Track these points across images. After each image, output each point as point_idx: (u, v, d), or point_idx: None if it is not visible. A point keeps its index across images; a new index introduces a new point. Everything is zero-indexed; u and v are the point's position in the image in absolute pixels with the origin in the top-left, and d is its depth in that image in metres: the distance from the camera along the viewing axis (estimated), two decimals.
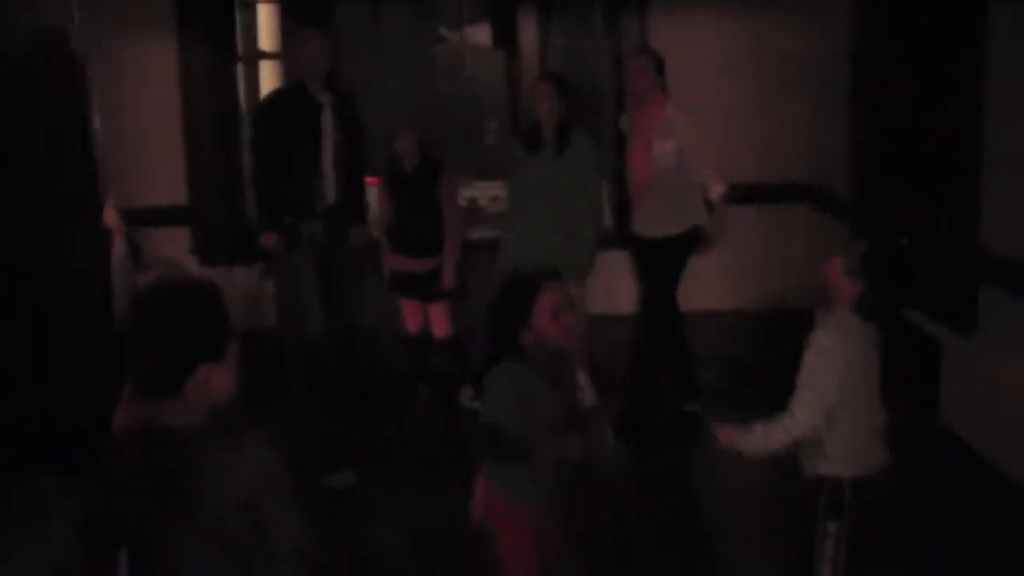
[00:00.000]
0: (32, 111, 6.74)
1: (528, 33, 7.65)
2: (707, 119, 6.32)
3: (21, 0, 6.90)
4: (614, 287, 7.06)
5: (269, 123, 6.36)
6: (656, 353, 6.25)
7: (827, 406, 3.47)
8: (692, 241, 6.09)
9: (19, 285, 6.42)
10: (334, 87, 6.34)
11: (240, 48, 8.16)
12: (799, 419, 3.48)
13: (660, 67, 6.12)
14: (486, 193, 8.44)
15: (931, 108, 5.69)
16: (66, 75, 7.14)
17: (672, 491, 5.64)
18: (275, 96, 6.64)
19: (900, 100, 6.10)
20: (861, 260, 3.49)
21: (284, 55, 7.98)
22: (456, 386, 6.71)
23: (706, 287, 7.12)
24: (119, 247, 4.10)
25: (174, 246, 7.25)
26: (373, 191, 6.71)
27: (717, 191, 5.96)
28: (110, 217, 4.19)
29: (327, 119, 6.21)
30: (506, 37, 7.87)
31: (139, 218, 7.18)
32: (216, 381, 2.46)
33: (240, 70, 8.15)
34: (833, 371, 3.45)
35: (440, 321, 6.64)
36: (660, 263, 6.13)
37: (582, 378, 6.51)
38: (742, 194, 6.71)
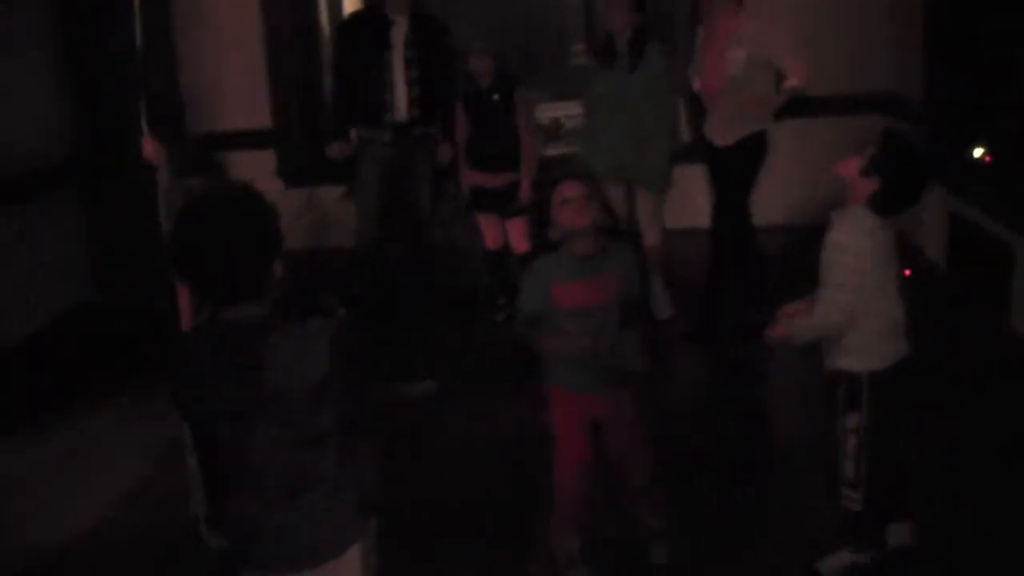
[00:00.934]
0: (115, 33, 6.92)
1: None
2: (779, 27, 6.32)
3: None
4: (692, 201, 7.13)
5: (344, 40, 6.68)
6: (727, 259, 6.29)
7: (851, 298, 3.52)
8: (761, 147, 6.10)
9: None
10: (416, 7, 6.52)
11: None
12: (828, 313, 3.55)
13: None
14: (569, 112, 8.50)
15: (1001, 14, 5.64)
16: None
17: (737, 394, 5.72)
18: (353, 15, 6.91)
19: (971, 8, 6.05)
20: (874, 158, 3.52)
21: None
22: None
23: (781, 200, 7.17)
24: (163, 179, 4.15)
25: (259, 169, 7.44)
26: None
27: (795, 82, 5.92)
28: (149, 149, 4.21)
29: (399, 35, 6.41)
30: None
31: (224, 142, 7.45)
32: (277, 273, 2.61)
33: None
34: (851, 265, 3.51)
35: (518, 236, 6.75)
36: (731, 169, 6.15)
37: (657, 287, 6.65)
38: (819, 105, 6.72)
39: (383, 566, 2.91)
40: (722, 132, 6.12)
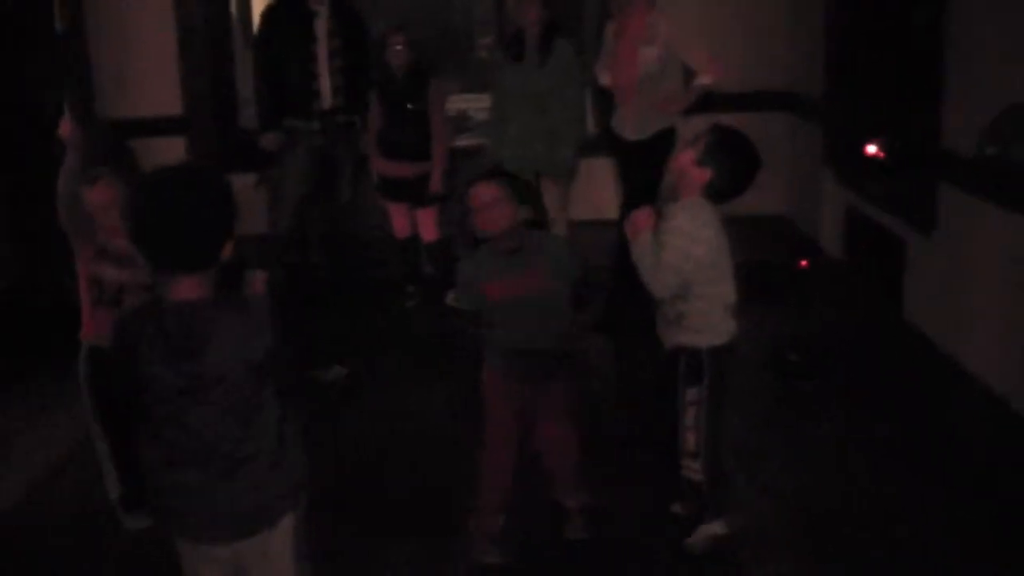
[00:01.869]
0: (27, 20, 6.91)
1: None
2: (689, 26, 6.48)
3: None
4: (598, 193, 7.27)
5: (267, 31, 6.73)
6: None
7: (676, 280, 3.70)
8: (671, 142, 6.25)
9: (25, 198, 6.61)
10: None
11: None
12: (652, 281, 3.72)
13: None
14: (476, 105, 8.62)
15: (899, 19, 5.86)
16: None
17: (644, 382, 5.85)
18: (274, 5, 6.95)
19: (872, 12, 6.26)
20: (707, 148, 3.73)
21: None
22: (443, 288, 6.80)
23: None
24: (71, 160, 4.16)
25: (170, 156, 7.44)
26: None
27: (706, 80, 6.08)
28: (65, 129, 4.23)
29: (322, 26, 6.52)
30: None
31: (136, 129, 7.44)
32: (228, 253, 2.70)
33: None
34: (687, 251, 3.67)
35: (427, 225, 6.85)
36: (640, 164, 6.28)
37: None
38: (724, 102, 6.90)
39: (312, 535, 2.98)
40: (633, 127, 6.26)
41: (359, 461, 4.95)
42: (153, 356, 2.62)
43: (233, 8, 8.48)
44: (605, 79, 6.44)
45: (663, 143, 6.20)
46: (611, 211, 6.52)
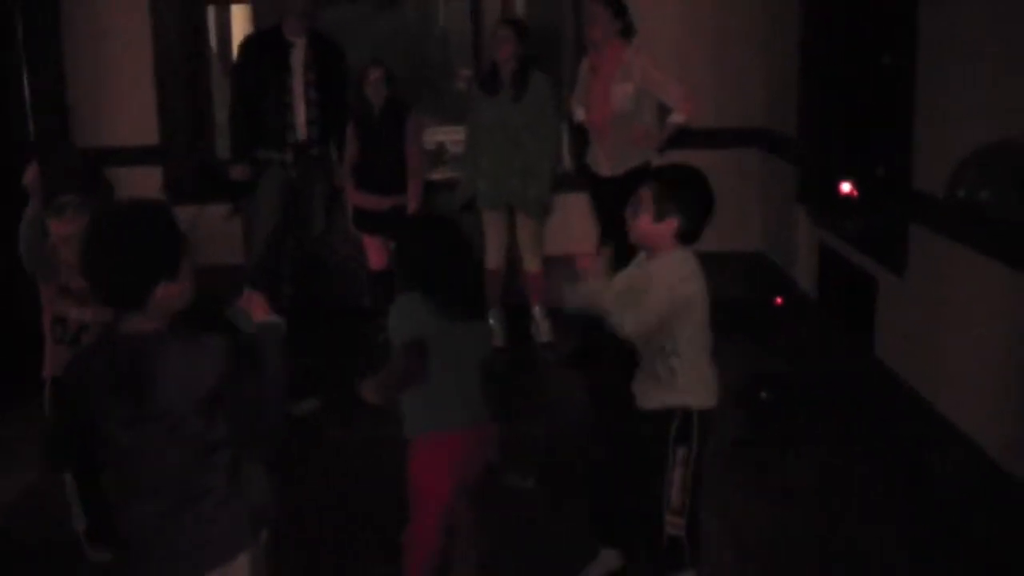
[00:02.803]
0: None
1: None
2: (663, 63, 6.52)
3: None
4: (572, 228, 7.29)
5: (243, 61, 6.74)
6: None
7: (649, 329, 3.65)
8: (645, 180, 6.27)
9: None
10: (311, 28, 6.62)
11: None
12: (624, 324, 3.64)
13: (618, 11, 6.27)
14: (453, 137, 8.62)
15: (870, 60, 5.90)
16: (36, 16, 7.29)
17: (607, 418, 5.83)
18: (252, 36, 6.99)
19: (845, 51, 6.30)
20: (661, 199, 3.73)
21: None
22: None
23: None
24: (35, 206, 4.13)
25: (145, 185, 7.45)
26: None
27: (680, 118, 6.12)
28: (31, 176, 4.17)
29: (298, 58, 6.52)
30: None
31: (111, 158, 7.43)
32: (174, 294, 2.67)
33: (211, 12, 8.32)
34: (667, 303, 3.64)
35: None
36: (616, 200, 6.30)
37: (538, 313, 6.80)
38: (698, 139, 6.94)
39: (276, 570, 2.97)
40: (608, 163, 6.30)
41: (331, 492, 4.97)
42: (102, 390, 2.62)
43: (212, 38, 8.48)
44: (580, 115, 6.49)
45: (638, 179, 6.19)
46: (585, 246, 6.52)
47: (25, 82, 6.95)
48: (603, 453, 4.21)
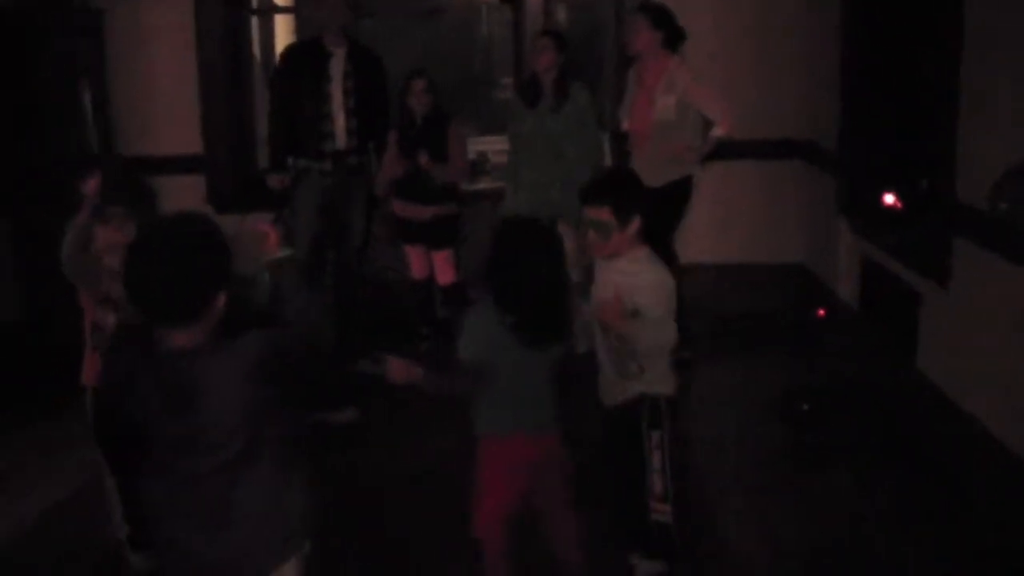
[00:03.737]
0: (48, 60, 6.97)
1: None
2: (703, 74, 6.50)
3: None
4: None
5: (283, 70, 6.78)
6: None
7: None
8: (687, 190, 6.28)
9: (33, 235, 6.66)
10: (351, 38, 6.65)
11: (254, 2, 8.38)
12: (671, 340, 3.82)
13: (662, 22, 6.26)
14: (495, 147, 8.63)
15: (913, 69, 5.86)
16: (82, 26, 7.39)
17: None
18: (292, 46, 7.03)
19: (887, 62, 6.27)
20: (618, 207, 3.82)
21: (298, 9, 8.19)
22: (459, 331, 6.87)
23: (702, 240, 7.36)
24: (84, 216, 4.16)
25: (190, 194, 7.51)
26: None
27: (721, 131, 6.11)
28: (92, 187, 4.21)
29: (337, 67, 6.54)
30: None
31: (156, 167, 7.49)
32: (221, 304, 2.69)
33: (254, 23, 8.37)
34: (670, 292, 3.86)
35: (444, 268, 6.86)
36: (657, 210, 6.30)
37: (578, 323, 6.78)
38: (739, 150, 6.92)
39: None
40: (649, 175, 6.26)
41: (365, 503, 4.96)
42: (150, 405, 2.63)
43: (256, 48, 8.54)
44: (625, 124, 6.48)
45: (678, 191, 6.23)
46: None
47: (72, 93, 7.03)
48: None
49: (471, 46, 11.44)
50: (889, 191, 5.98)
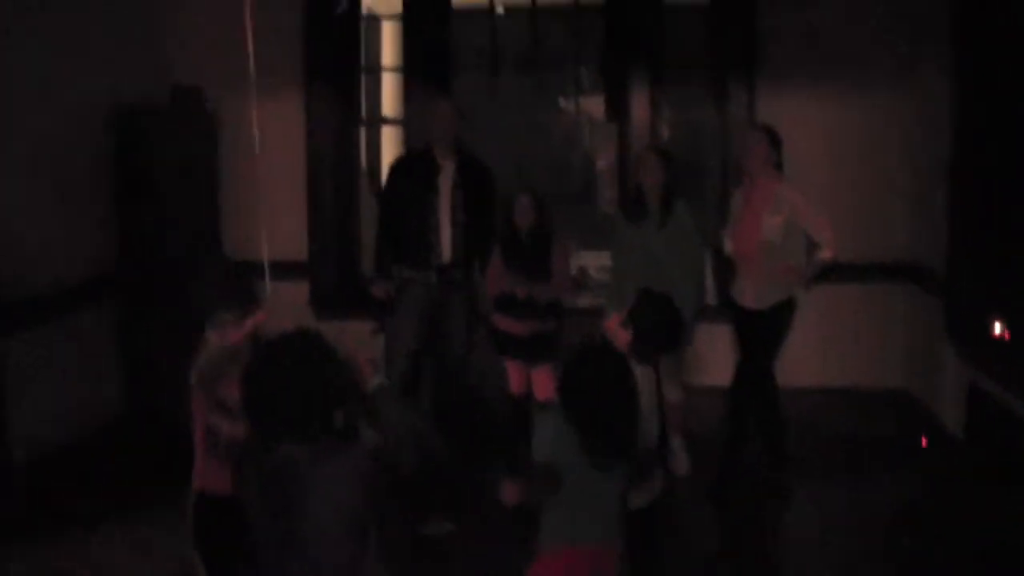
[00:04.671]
0: (168, 159, 7.17)
1: (640, 105, 7.92)
2: (810, 195, 6.48)
3: (161, 59, 7.37)
4: (713, 359, 7.23)
5: (392, 181, 6.85)
6: (747, 421, 6.35)
7: None
8: (790, 313, 6.22)
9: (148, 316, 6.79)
10: (461, 151, 6.72)
11: (364, 112, 8.55)
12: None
13: (776, 144, 6.28)
14: (596, 263, 8.64)
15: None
16: (199, 130, 7.61)
17: (752, 556, 5.73)
18: (403, 157, 7.13)
19: (999, 181, 6.19)
20: (630, 313, 4.20)
21: (406, 121, 8.34)
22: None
23: (805, 362, 7.28)
24: (240, 342, 4.17)
25: (294, 298, 7.61)
26: None
27: (828, 254, 6.07)
28: (250, 325, 4.23)
29: (446, 179, 6.59)
30: (619, 109, 8.14)
31: (262, 271, 7.60)
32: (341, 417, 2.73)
33: (363, 133, 8.54)
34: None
35: (542, 384, 6.80)
36: (759, 333, 6.25)
37: (676, 443, 6.71)
38: (843, 273, 6.85)
39: None
40: (753, 296, 6.24)
41: None
42: (256, 508, 2.64)
43: (362, 156, 8.69)
44: (729, 247, 6.46)
45: (783, 313, 6.18)
46: (725, 377, 6.47)
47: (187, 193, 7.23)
48: None
49: (572, 160, 11.57)
50: (998, 318, 5.87)
